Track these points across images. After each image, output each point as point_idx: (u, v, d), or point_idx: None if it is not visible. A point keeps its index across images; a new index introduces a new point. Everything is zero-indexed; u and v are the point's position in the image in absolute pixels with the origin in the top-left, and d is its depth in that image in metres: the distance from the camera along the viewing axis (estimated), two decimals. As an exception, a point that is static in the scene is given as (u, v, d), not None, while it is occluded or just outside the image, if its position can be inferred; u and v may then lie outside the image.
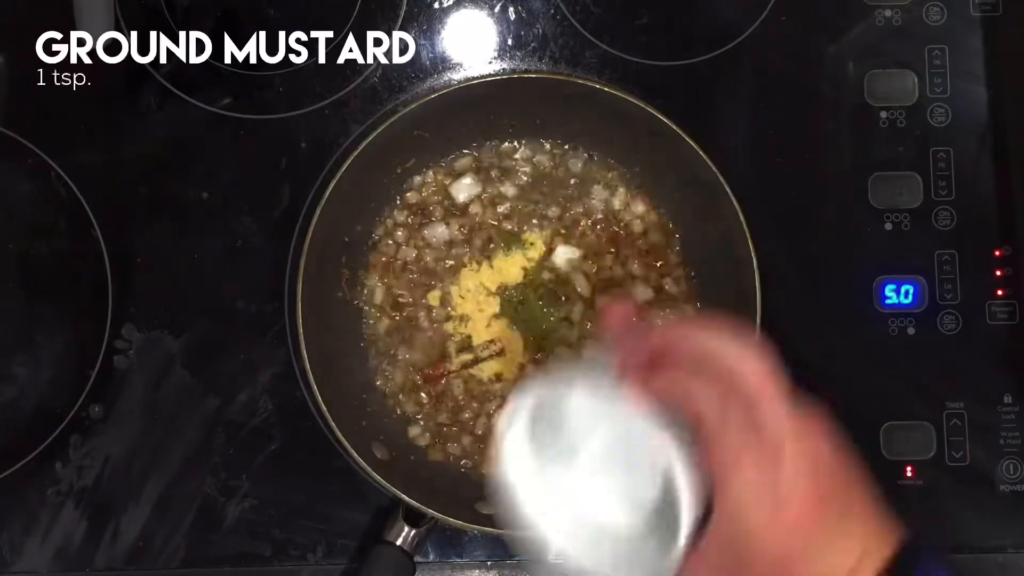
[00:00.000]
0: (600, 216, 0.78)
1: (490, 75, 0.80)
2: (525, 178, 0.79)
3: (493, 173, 0.79)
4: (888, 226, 0.79)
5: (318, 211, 0.72)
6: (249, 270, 0.78)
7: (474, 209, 0.78)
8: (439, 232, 0.78)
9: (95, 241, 0.77)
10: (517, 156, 0.79)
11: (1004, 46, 0.80)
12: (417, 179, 0.79)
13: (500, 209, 0.78)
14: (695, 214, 0.77)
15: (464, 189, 0.78)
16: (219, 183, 0.79)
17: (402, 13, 0.81)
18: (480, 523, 0.70)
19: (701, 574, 0.47)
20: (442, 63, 0.81)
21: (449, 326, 0.77)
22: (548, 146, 0.79)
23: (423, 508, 0.69)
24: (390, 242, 0.78)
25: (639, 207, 0.79)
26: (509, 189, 0.79)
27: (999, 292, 0.78)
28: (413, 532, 0.70)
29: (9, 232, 0.78)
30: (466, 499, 0.72)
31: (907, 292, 0.78)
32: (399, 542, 0.70)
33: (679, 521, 0.46)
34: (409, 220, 0.79)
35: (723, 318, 0.49)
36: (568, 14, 0.81)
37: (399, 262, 0.78)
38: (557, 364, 0.75)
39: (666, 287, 0.77)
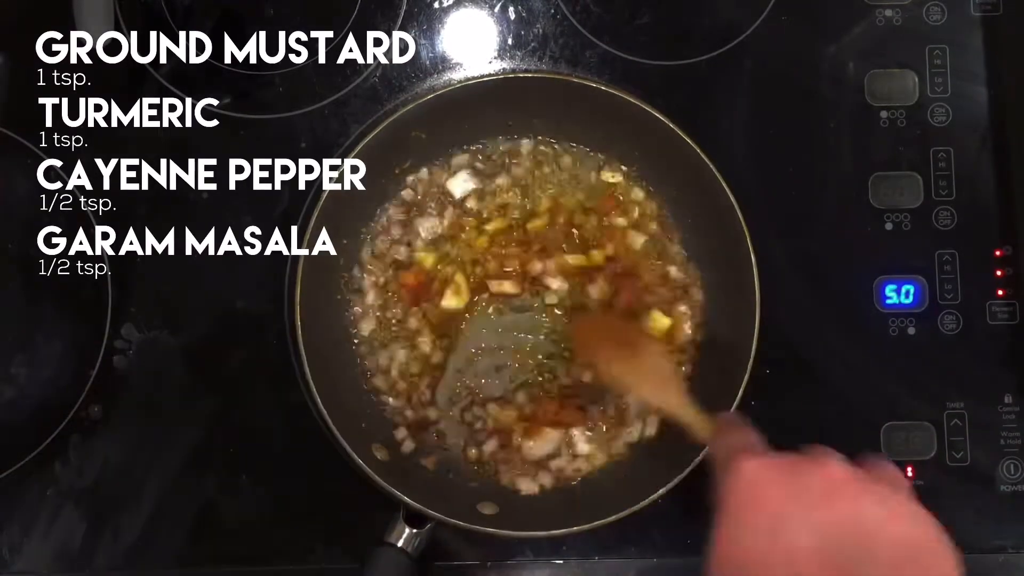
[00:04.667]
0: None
1: (489, 75, 0.80)
2: (524, 175, 0.79)
3: (491, 169, 0.79)
4: (888, 226, 0.79)
5: (316, 212, 0.72)
6: (249, 270, 0.78)
7: (470, 204, 0.78)
8: (432, 224, 0.78)
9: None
10: (516, 154, 0.79)
11: (1004, 46, 0.80)
12: (411, 178, 0.79)
13: (498, 202, 0.78)
14: (695, 214, 0.77)
15: (460, 184, 0.78)
16: (219, 182, 0.79)
17: (402, 13, 0.81)
18: (481, 524, 0.70)
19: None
20: (442, 63, 0.81)
21: (441, 323, 0.77)
22: (547, 144, 0.79)
23: (424, 509, 0.69)
24: (386, 238, 0.78)
25: (638, 195, 0.79)
26: (507, 185, 0.79)
27: (999, 292, 0.78)
28: (414, 533, 0.70)
29: (9, 232, 0.78)
30: (467, 500, 0.72)
31: (907, 292, 0.78)
32: (400, 543, 0.70)
33: None
34: (404, 218, 0.78)
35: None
36: (568, 14, 0.81)
37: (391, 259, 0.78)
38: None
39: (671, 273, 0.78)
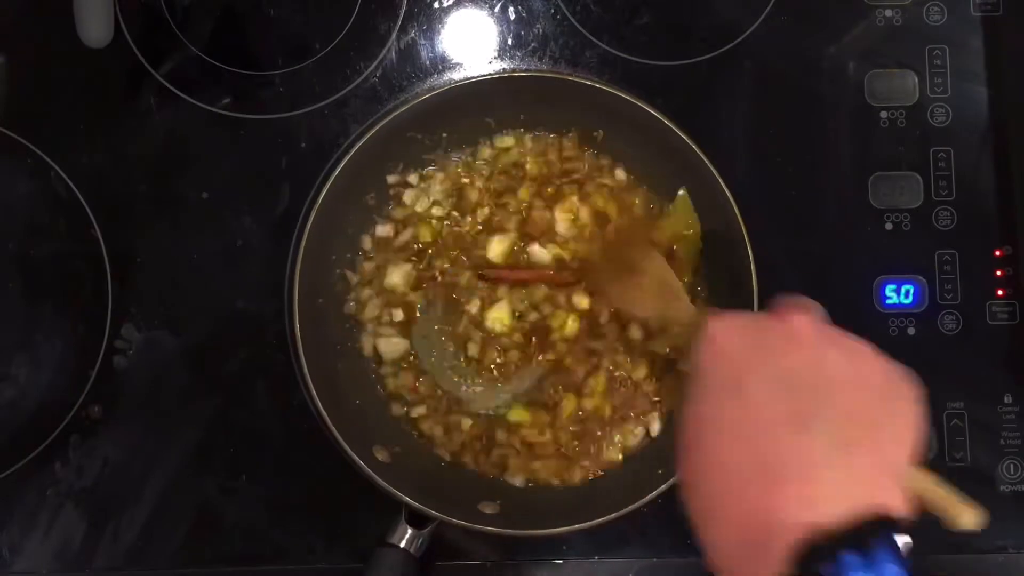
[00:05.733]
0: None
1: (485, 75, 0.79)
2: (520, 176, 0.79)
3: (488, 171, 0.79)
4: (888, 226, 0.79)
5: (313, 215, 0.72)
6: (249, 270, 0.78)
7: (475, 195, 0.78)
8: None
9: (95, 241, 0.77)
10: (513, 153, 0.79)
11: (1004, 46, 0.80)
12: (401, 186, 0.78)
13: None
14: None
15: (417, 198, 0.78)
16: (219, 183, 0.79)
17: (402, 13, 0.81)
18: (483, 523, 0.70)
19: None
20: (442, 63, 0.81)
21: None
22: (545, 144, 0.79)
23: (425, 510, 0.69)
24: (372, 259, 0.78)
25: (639, 195, 0.79)
26: (506, 186, 0.79)
27: (999, 292, 0.78)
28: (416, 533, 0.70)
29: (9, 232, 0.78)
30: (469, 499, 0.72)
31: (907, 292, 0.78)
32: (403, 544, 0.70)
33: None
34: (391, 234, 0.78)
35: None
36: (568, 14, 0.81)
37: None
38: None
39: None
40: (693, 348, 0.52)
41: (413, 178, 0.78)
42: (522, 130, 0.79)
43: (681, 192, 0.76)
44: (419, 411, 0.76)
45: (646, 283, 0.69)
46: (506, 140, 0.79)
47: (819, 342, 0.49)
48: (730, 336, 0.51)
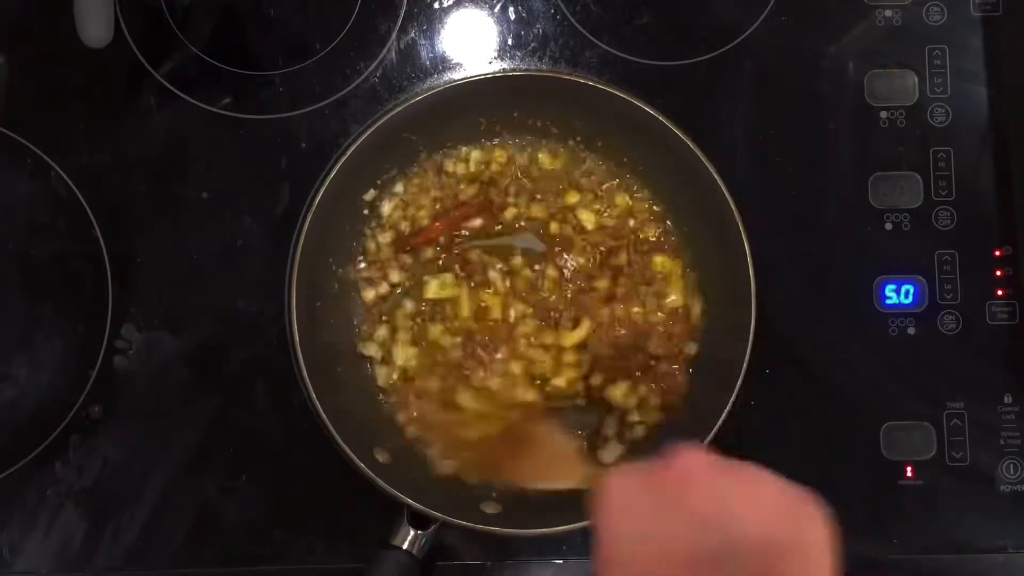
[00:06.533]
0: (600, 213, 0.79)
1: (481, 75, 0.79)
2: (521, 179, 0.79)
3: (489, 174, 0.79)
4: (888, 226, 0.79)
5: (311, 215, 0.72)
6: (249, 270, 0.78)
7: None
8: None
9: (95, 241, 0.77)
10: (511, 156, 0.79)
11: (1004, 46, 0.80)
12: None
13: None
14: (693, 214, 0.77)
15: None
16: (219, 183, 0.79)
17: (402, 13, 0.81)
18: (485, 523, 0.70)
19: None
20: (442, 63, 0.81)
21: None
22: (546, 146, 0.79)
23: (427, 511, 0.69)
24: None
25: (639, 205, 0.79)
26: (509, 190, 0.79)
27: (999, 292, 0.78)
28: (419, 535, 0.70)
29: (9, 232, 0.78)
30: (470, 499, 0.72)
31: (907, 292, 0.78)
32: (405, 545, 0.69)
33: None
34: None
35: None
36: (568, 14, 0.81)
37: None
38: None
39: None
40: (592, 506, 0.52)
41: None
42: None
43: None
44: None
45: (537, 453, 0.68)
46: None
47: (714, 474, 0.49)
48: (626, 488, 0.51)
